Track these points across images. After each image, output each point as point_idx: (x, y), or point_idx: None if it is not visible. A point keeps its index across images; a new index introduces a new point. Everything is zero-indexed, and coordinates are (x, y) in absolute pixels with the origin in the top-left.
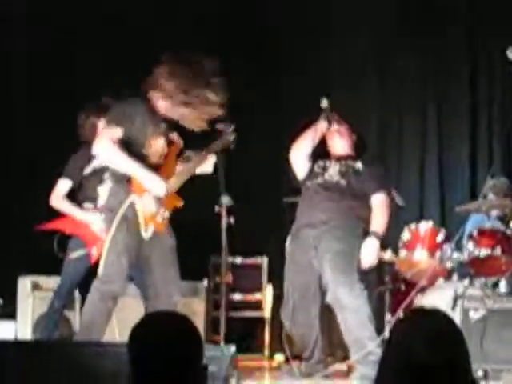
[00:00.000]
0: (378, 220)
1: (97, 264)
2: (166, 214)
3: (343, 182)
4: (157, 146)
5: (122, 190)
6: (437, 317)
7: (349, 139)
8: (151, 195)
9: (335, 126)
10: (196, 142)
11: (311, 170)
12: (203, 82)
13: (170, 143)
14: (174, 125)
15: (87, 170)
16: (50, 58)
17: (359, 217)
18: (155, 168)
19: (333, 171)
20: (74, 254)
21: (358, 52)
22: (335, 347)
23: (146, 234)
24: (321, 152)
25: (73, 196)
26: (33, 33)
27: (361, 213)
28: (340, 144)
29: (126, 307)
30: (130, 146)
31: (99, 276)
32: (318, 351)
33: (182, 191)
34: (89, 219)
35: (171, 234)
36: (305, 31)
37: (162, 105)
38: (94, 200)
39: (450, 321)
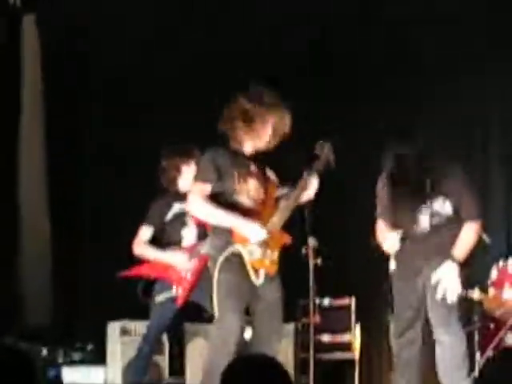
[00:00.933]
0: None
1: (184, 305)
2: (275, 255)
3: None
4: (248, 188)
5: (224, 240)
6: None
7: None
8: (254, 243)
9: None
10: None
11: None
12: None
13: (266, 181)
14: (265, 161)
15: (168, 216)
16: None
17: None
18: (253, 211)
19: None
20: (160, 298)
21: None
22: None
23: (258, 280)
24: None
25: (155, 243)
26: None
27: None
28: None
29: None
30: (222, 196)
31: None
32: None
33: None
34: (174, 260)
35: (279, 287)
36: None
37: (243, 142)
38: (177, 244)
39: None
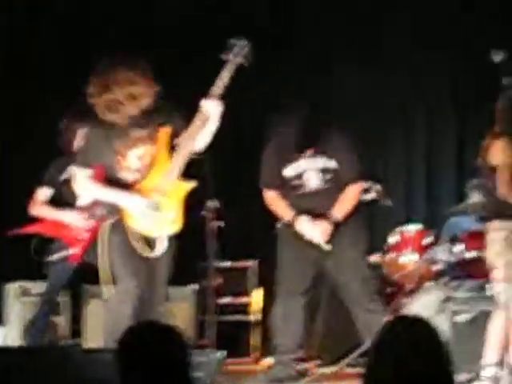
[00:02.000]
0: (342, 206)
1: (81, 264)
2: (172, 214)
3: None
4: (129, 163)
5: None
6: (418, 325)
7: None
8: (140, 213)
9: None
10: None
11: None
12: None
13: (154, 137)
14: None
15: (63, 177)
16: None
17: None
18: (139, 180)
19: (313, 182)
20: (54, 256)
21: None
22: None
23: (154, 250)
24: None
25: (51, 204)
26: None
27: None
28: None
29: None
30: (107, 171)
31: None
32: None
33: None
34: (70, 219)
35: (172, 251)
36: None
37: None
38: (73, 205)
39: (432, 330)
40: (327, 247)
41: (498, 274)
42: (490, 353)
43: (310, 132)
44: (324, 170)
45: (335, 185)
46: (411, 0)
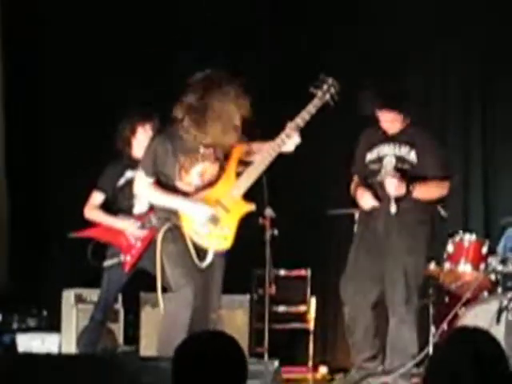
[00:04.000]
0: (427, 187)
1: (136, 273)
2: (228, 230)
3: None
4: (190, 179)
5: (167, 212)
6: (481, 337)
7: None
8: (200, 222)
9: None
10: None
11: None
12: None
13: (219, 158)
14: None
15: (120, 182)
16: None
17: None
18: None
19: (389, 167)
20: (108, 262)
21: None
22: None
23: (204, 261)
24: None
25: (107, 207)
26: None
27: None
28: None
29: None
30: (167, 180)
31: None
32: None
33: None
34: (124, 226)
35: (223, 263)
36: None
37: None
38: (128, 211)
39: (493, 342)
40: (393, 209)
41: None
42: None
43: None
44: (400, 159)
45: (411, 178)
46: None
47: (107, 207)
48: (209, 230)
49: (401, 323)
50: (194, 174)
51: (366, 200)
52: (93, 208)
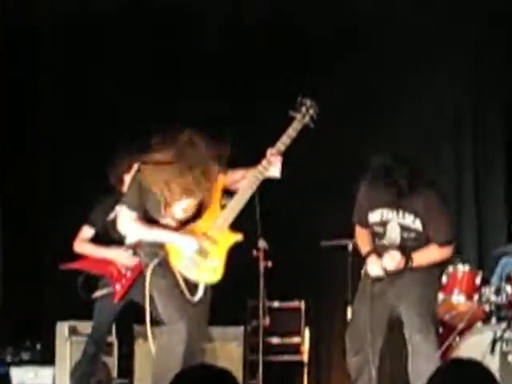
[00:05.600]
0: (425, 257)
1: (127, 303)
2: (217, 262)
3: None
4: (173, 212)
5: (156, 246)
6: (473, 369)
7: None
8: (187, 256)
9: None
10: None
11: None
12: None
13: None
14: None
15: (112, 215)
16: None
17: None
18: (183, 227)
19: (394, 235)
20: (98, 293)
21: None
22: None
23: (195, 296)
24: None
25: (99, 241)
26: None
27: None
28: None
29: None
30: (150, 214)
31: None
32: None
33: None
34: (116, 256)
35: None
36: None
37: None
38: (120, 242)
39: (486, 374)
40: (380, 272)
41: None
42: None
43: (398, 185)
44: (405, 228)
45: (417, 245)
46: None
47: (98, 241)
48: (197, 263)
49: (416, 354)
50: (178, 209)
51: (374, 269)
52: (82, 242)
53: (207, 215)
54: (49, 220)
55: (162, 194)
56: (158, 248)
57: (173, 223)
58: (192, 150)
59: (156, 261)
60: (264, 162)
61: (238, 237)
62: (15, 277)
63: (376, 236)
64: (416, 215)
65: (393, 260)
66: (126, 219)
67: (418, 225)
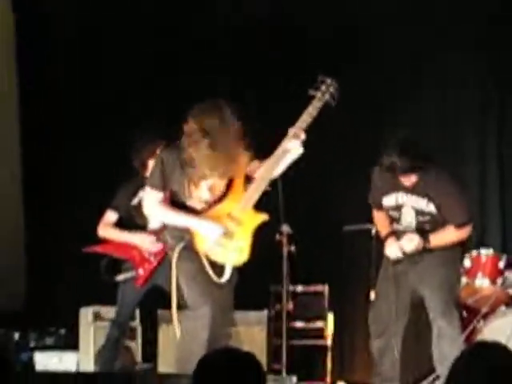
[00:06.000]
0: (442, 237)
1: (151, 288)
2: (243, 243)
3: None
4: (200, 194)
5: (181, 230)
6: (498, 352)
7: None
8: (213, 241)
9: None
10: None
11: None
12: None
13: (226, 173)
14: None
15: (135, 201)
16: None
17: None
18: (209, 209)
19: (409, 219)
20: (120, 277)
21: None
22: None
23: (223, 277)
24: None
25: (123, 226)
26: None
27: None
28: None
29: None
30: (175, 198)
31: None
32: (393, 370)
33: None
34: (140, 240)
35: (236, 276)
36: None
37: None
38: (144, 228)
39: (511, 357)
40: (399, 254)
41: None
42: None
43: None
44: (420, 212)
45: (433, 227)
46: None
47: (123, 226)
48: (223, 244)
49: (440, 337)
50: (204, 188)
51: (393, 250)
52: (106, 226)
53: (231, 197)
54: (72, 205)
55: (187, 173)
56: (184, 231)
57: (199, 205)
58: (223, 126)
59: (182, 244)
60: (286, 141)
61: (263, 217)
62: (39, 263)
63: (392, 220)
64: (429, 199)
65: (411, 242)
66: (150, 201)
67: (431, 208)
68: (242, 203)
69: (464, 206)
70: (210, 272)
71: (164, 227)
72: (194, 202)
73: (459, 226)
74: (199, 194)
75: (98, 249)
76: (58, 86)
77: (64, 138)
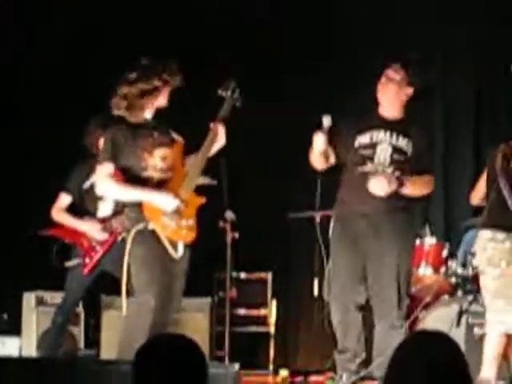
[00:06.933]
0: (416, 182)
1: (96, 274)
2: (191, 221)
3: (396, 173)
4: (155, 162)
5: (138, 212)
6: (439, 343)
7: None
8: (167, 214)
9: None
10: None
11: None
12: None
13: (171, 144)
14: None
15: (86, 185)
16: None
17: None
18: (165, 181)
19: (383, 157)
20: (69, 263)
21: None
22: None
23: (177, 253)
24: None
25: (75, 210)
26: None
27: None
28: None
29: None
30: (131, 172)
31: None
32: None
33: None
34: (85, 228)
35: (188, 258)
36: None
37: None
38: (95, 213)
39: (452, 346)
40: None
41: None
42: (487, 367)
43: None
44: (397, 149)
45: (400, 172)
46: None
47: (75, 209)
48: (176, 222)
49: (391, 329)
50: (157, 158)
51: (318, 142)
52: (59, 210)
53: (176, 177)
54: (19, 187)
55: (138, 144)
56: (141, 214)
57: (155, 175)
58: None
59: (137, 227)
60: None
61: (202, 199)
62: None
63: (361, 161)
64: (409, 139)
65: (378, 185)
66: (101, 175)
67: (409, 149)
68: (184, 185)
69: (434, 157)
70: (169, 247)
71: (113, 215)
72: (150, 172)
73: (432, 173)
74: (154, 163)
75: (51, 232)
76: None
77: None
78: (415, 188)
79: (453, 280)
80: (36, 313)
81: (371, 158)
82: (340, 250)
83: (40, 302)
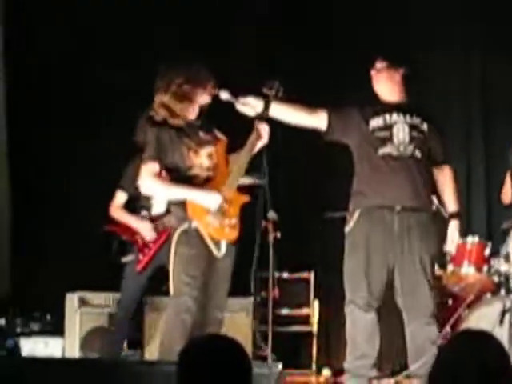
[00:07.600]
0: (455, 196)
1: (153, 270)
2: (234, 221)
3: (418, 153)
4: (201, 161)
5: (184, 212)
6: (484, 340)
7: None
8: (211, 213)
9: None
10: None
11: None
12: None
13: (216, 143)
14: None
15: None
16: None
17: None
18: (210, 179)
19: (402, 135)
20: (125, 259)
21: None
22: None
23: (219, 252)
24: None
25: (130, 207)
26: None
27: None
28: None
29: None
30: (177, 171)
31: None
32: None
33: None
34: (138, 227)
35: (233, 257)
36: None
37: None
38: (149, 208)
39: (499, 347)
40: None
41: None
42: None
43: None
44: (414, 127)
45: (421, 152)
46: None
47: (131, 207)
48: (219, 221)
49: (427, 325)
50: (203, 156)
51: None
52: (116, 207)
53: (219, 176)
54: (58, 190)
55: (184, 142)
56: (186, 213)
57: (201, 173)
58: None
59: (183, 227)
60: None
61: (246, 198)
62: (24, 247)
63: (379, 143)
64: (423, 119)
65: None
66: (145, 174)
67: (425, 127)
68: (228, 184)
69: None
70: (212, 246)
71: (166, 213)
72: (196, 171)
73: (450, 163)
74: (200, 161)
75: (112, 228)
76: (47, 77)
77: (52, 131)
78: (459, 196)
79: (495, 278)
80: (79, 314)
81: (390, 139)
82: (365, 249)
83: (83, 302)
